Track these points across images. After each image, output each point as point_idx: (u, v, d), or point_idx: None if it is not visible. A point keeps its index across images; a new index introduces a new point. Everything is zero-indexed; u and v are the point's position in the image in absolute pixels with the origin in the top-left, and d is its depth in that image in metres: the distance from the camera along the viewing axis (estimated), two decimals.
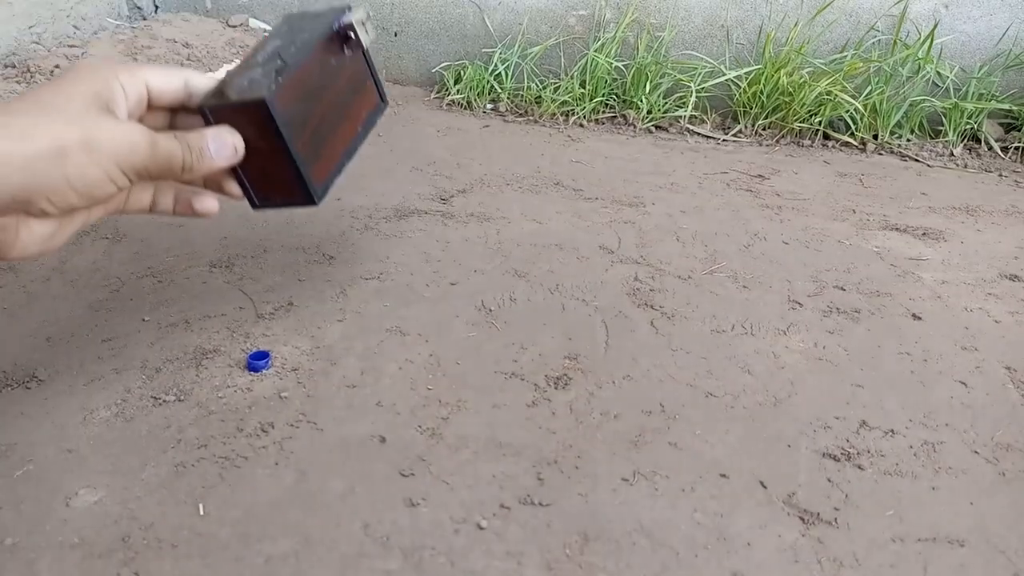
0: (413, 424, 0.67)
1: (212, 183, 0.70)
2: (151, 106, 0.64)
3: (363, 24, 0.75)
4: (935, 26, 1.39)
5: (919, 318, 0.88)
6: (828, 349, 0.81)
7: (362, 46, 0.76)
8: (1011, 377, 0.78)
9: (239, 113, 0.64)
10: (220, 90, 0.66)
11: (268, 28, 1.65)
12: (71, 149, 0.53)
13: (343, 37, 0.74)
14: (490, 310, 0.85)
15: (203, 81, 0.66)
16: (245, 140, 0.65)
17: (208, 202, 0.68)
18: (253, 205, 0.71)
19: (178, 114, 0.67)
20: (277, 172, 0.69)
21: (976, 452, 0.68)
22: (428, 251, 0.97)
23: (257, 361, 0.73)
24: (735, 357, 0.79)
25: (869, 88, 1.40)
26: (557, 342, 0.80)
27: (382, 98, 0.84)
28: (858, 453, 0.67)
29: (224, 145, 0.63)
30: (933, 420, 0.71)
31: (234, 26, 1.59)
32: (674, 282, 0.93)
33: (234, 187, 0.70)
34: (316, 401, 0.69)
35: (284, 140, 0.66)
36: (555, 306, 0.86)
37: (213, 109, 0.64)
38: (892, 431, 0.70)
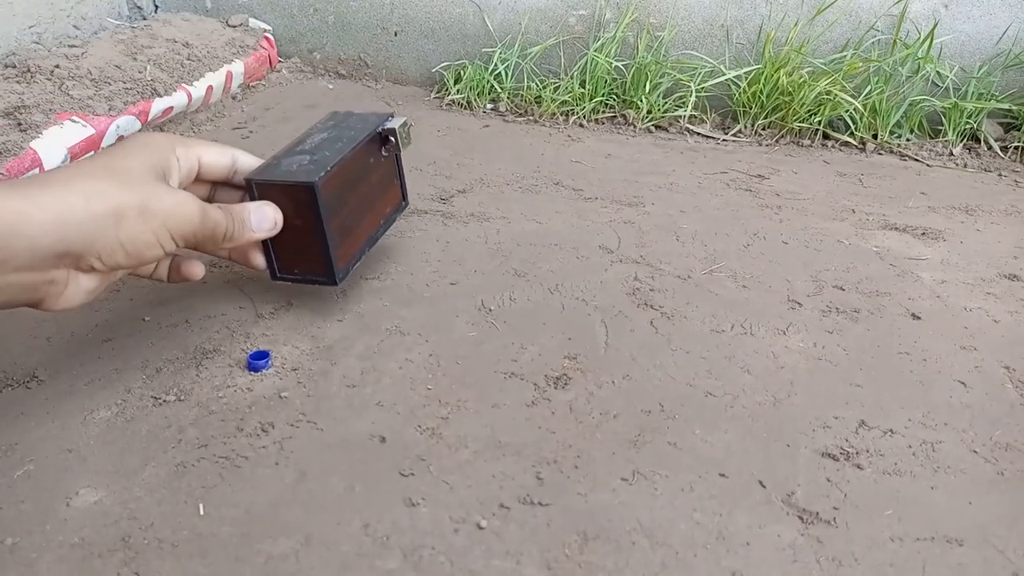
0: (413, 424, 0.67)
1: (238, 253, 0.78)
2: (198, 178, 0.72)
3: (404, 131, 0.86)
4: (935, 26, 1.39)
5: (918, 318, 0.88)
6: (827, 349, 0.81)
7: (399, 150, 0.87)
8: (1010, 376, 0.78)
9: (286, 191, 0.73)
10: (269, 168, 0.75)
11: (268, 28, 1.65)
12: (128, 213, 0.58)
13: (383, 139, 0.85)
14: (490, 310, 0.85)
15: (249, 160, 0.75)
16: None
17: (196, 267, 0.75)
18: (273, 275, 0.79)
19: (219, 187, 0.76)
20: (306, 249, 0.76)
21: (975, 451, 0.68)
22: (428, 251, 0.97)
23: (257, 361, 0.73)
24: (734, 357, 0.79)
25: (869, 88, 1.41)
26: (557, 342, 0.80)
27: (404, 197, 0.94)
28: (857, 453, 0.67)
29: (265, 218, 0.72)
30: (932, 420, 0.72)
31: (234, 26, 1.59)
32: (674, 282, 0.93)
33: (259, 259, 0.77)
34: (316, 401, 0.69)
35: (321, 222, 0.74)
36: (555, 306, 0.87)
37: (260, 184, 0.74)
38: (891, 431, 0.70)
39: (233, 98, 1.49)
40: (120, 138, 1.21)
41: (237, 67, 1.47)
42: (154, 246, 0.61)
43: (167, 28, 1.43)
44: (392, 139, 0.85)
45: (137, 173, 0.60)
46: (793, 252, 1.02)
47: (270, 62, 1.61)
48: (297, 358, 0.75)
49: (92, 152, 1.14)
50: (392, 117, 0.87)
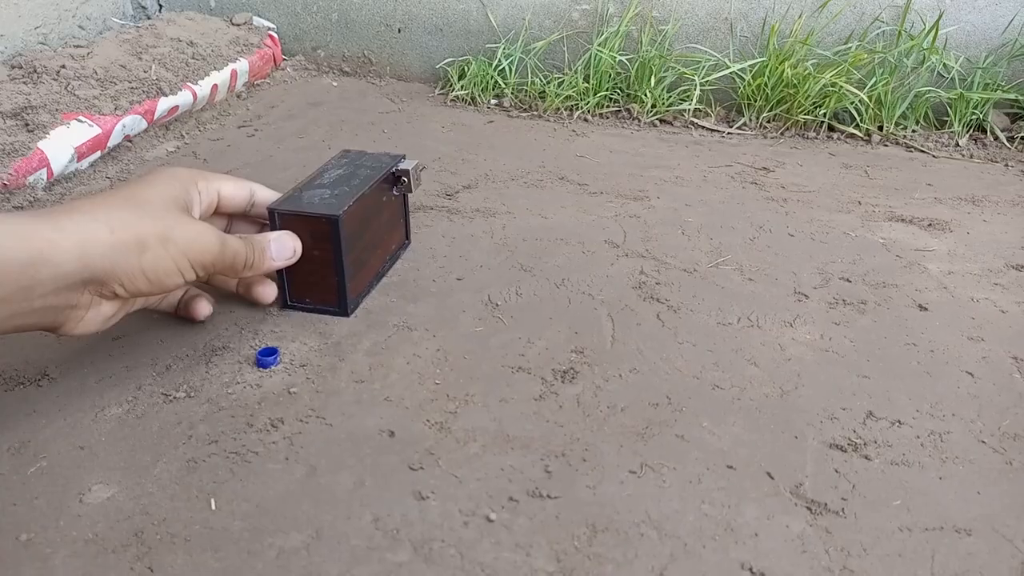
0: (421, 418, 0.67)
1: (245, 286, 0.82)
2: (217, 211, 0.76)
3: (416, 174, 0.90)
4: (940, 16, 1.39)
5: (925, 309, 0.88)
6: (834, 341, 0.81)
7: (410, 190, 0.90)
8: (1018, 367, 0.78)
9: (308, 223, 0.76)
10: (292, 199, 0.78)
11: (271, 26, 1.65)
12: (150, 242, 0.61)
13: (395, 180, 0.89)
14: (496, 305, 0.85)
15: (266, 193, 0.79)
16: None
17: (204, 307, 0.79)
18: (284, 303, 0.83)
19: (236, 219, 0.80)
20: (321, 280, 0.79)
21: (983, 442, 0.68)
22: (434, 247, 0.97)
23: (266, 357, 0.73)
24: (741, 349, 0.79)
25: (874, 79, 1.40)
26: (563, 336, 0.80)
27: (408, 236, 0.97)
28: (865, 444, 0.67)
29: (285, 247, 0.75)
30: (940, 410, 0.71)
31: (238, 24, 1.59)
32: (679, 275, 0.93)
33: (266, 293, 0.82)
34: (325, 396, 0.70)
35: (340, 254, 0.77)
36: (561, 300, 0.87)
37: (284, 215, 0.76)
38: (899, 421, 0.70)
39: (238, 96, 1.50)
40: (127, 137, 1.21)
41: (242, 65, 1.47)
42: (175, 274, 0.63)
43: (171, 27, 1.43)
44: (404, 180, 0.89)
45: (159, 204, 0.63)
46: (799, 244, 1.02)
47: (274, 60, 1.61)
48: (305, 354, 0.75)
49: (99, 151, 1.15)
50: (404, 159, 0.90)
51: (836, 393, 0.73)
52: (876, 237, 1.05)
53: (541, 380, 0.73)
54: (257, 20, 1.63)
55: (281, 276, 0.80)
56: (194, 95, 1.32)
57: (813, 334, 0.82)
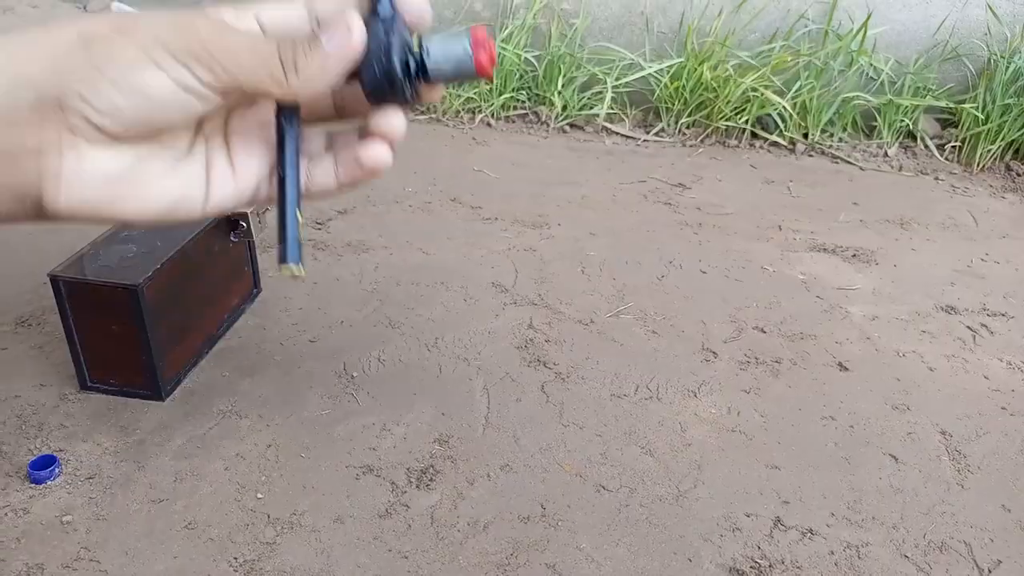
0: (227, 555, 0.54)
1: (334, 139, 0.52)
2: None
3: (258, 216, 0.78)
4: (869, 15, 1.28)
5: (846, 368, 0.78)
6: (743, 416, 0.70)
7: (251, 236, 0.76)
8: (946, 445, 0.68)
9: (99, 294, 0.62)
10: (83, 260, 0.63)
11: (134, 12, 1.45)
12: (99, 31, 0.40)
13: (232, 224, 0.74)
14: (352, 376, 0.72)
15: (330, 3, 0.48)
16: (100, 321, 0.63)
17: (379, 151, 0.49)
18: (82, 385, 0.68)
19: None
20: (125, 358, 0.65)
21: (906, 556, 0.57)
22: (289, 295, 0.83)
23: (40, 471, 0.58)
24: (635, 433, 0.67)
25: (799, 83, 1.29)
26: (428, 419, 0.67)
27: (256, 284, 0.82)
28: (770, 566, 0.56)
29: (336, 26, 0.43)
30: (858, 512, 0.61)
31: (94, 12, 1.39)
32: (574, 329, 0.81)
33: (375, 153, 0.47)
34: (107, 526, 0.55)
35: (145, 329, 0.63)
36: (431, 368, 0.74)
37: (69, 283, 0.62)
38: (811, 531, 0.59)
39: None
40: None
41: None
42: (148, 68, 0.40)
43: (5, 17, 1.23)
44: (243, 225, 0.74)
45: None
46: (711, 284, 0.91)
47: None
48: (96, 461, 0.61)
49: None
50: None
51: (741, 492, 0.62)
52: (795, 272, 0.95)
53: (391, 486, 0.60)
54: (117, 6, 1.43)
55: (76, 351, 0.65)
56: None
57: (719, 407, 0.71)
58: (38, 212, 0.42)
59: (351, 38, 0.46)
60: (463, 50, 0.50)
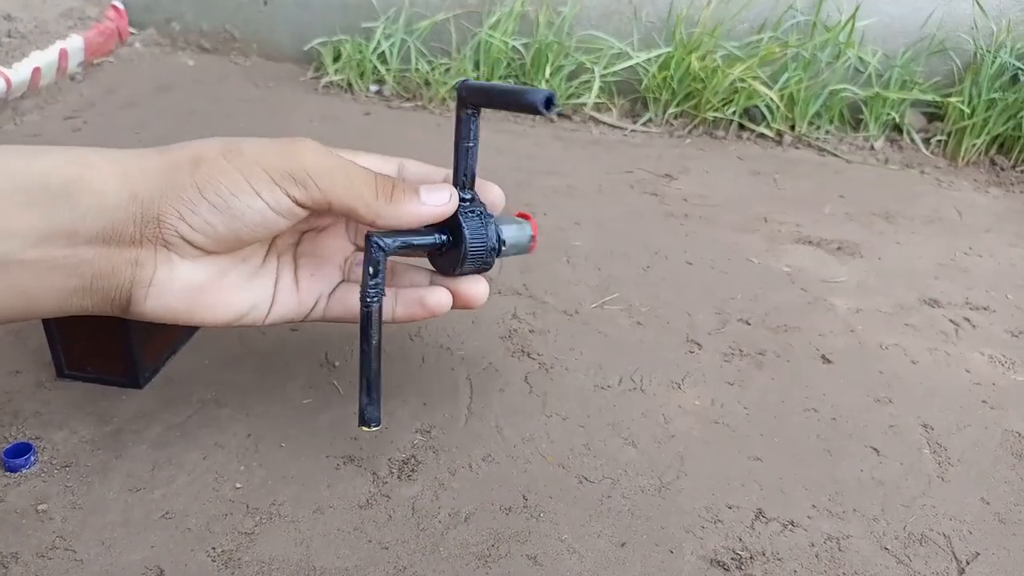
0: (206, 545, 0.53)
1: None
2: None
3: None
4: (857, 7, 1.28)
5: (829, 361, 0.78)
6: (726, 408, 0.70)
7: None
8: (927, 439, 0.69)
9: None
10: None
11: None
12: (208, 155, 0.44)
13: None
14: (334, 365, 0.71)
15: (423, 168, 0.58)
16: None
17: (442, 296, 0.57)
18: (60, 373, 0.66)
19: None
20: (103, 345, 0.64)
21: (886, 548, 0.58)
22: None
23: (15, 459, 0.57)
24: (619, 424, 0.67)
25: (786, 75, 1.29)
26: (410, 409, 0.67)
27: None
28: (751, 557, 0.56)
29: (439, 190, 0.51)
30: (839, 504, 0.61)
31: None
32: (558, 319, 0.80)
33: (477, 290, 0.59)
34: (83, 515, 0.54)
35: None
36: (413, 358, 0.73)
37: None
38: (792, 523, 0.59)
39: (72, 78, 1.28)
40: None
41: (74, 43, 1.26)
42: (246, 192, 0.44)
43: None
44: None
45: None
46: (697, 276, 0.91)
47: (119, 34, 1.40)
48: (72, 449, 0.60)
49: None
50: None
51: (723, 484, 0.62)
52: (781, 265, 0.95)
53: (372, 476, 0.60)
54: None
55: (52, 338, 0.64)
56: (7, 82, 1.11)
57: (703, 399, 0.71)
58: (122, 311, 0.45)
59: (447, 205, 0.54)
60: (527, 237, 0.60)
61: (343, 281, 0.57)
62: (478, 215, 0.53)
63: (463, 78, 0.52)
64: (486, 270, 0.57)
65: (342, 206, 0.46)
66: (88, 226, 0.41)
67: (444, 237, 0.53)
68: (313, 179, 0.44)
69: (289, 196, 0.44)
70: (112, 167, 0.41)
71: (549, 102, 0.48)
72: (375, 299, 0.50)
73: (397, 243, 0.50)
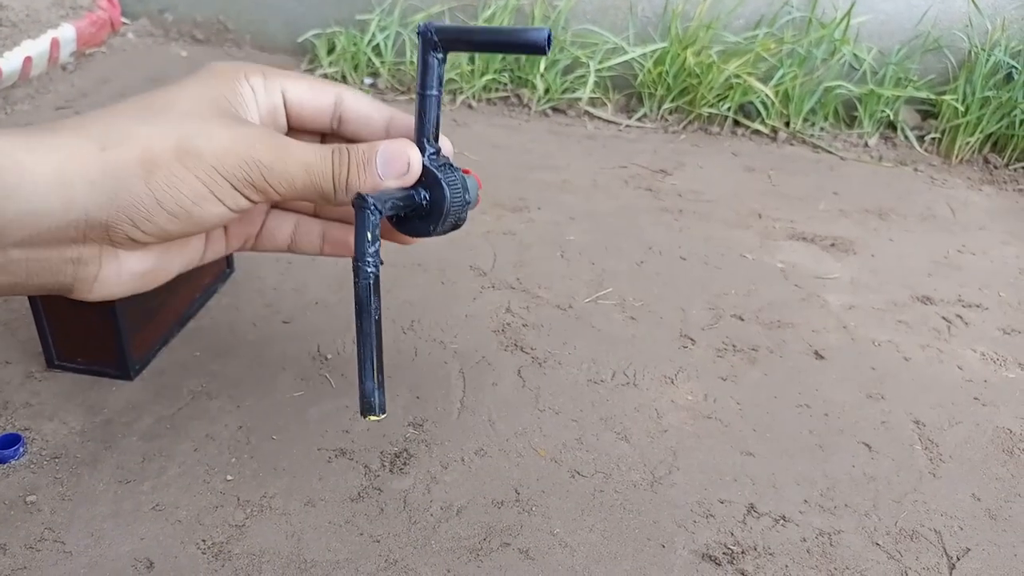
0: (196, 538, 0.53)
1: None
2: (291, 126, 0.49)
3: None
4: (853, 4, 1.28)
5: (822, 357, 0.78)
6: (719, 403, 0.70)
7: None
8: (919, 435, 0.69)
9: None
10: None
11: None
12: (160, 158, 0.40)
13: None
14: (326, 358, 0.71)
15: (360, 102, 0.49)
16: (67, 299, 0.54)
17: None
18: (49, 363, 0.65)
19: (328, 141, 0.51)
20: (93, 336, 0.63)
21: (877, 544, 0.58)
22: (263, 276, 0.81)
23: (4, 450, 0.57)
24: (611, 418, 0.67)
25: (781, 71, 1.29)
26: (402, 402, 0.66)
27: (230, 264, 0.80)
28: (743, 552, 0.56)
29: (396, 159, 0.46)
30: (831, 499, 0.61)
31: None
32: (552, 314, 0.80)
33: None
34: (72, 507, 0.54)
35: (113, 303, 0.60)
36: (406, 351, 0.73)
37: None
38: (784, 518, 0.59)
39: (63, 68, 1.27)
40: None
41: (66, 32, 1.25)
42: (207, 199, 0.42)
43: None
44: None
45: (186, 108, 0.42)
46: (691, 270, 0.91)
47: (111, 24, 1.39)
48: (62, 440, 0.59)
49: None
50: None
51: (715, 479, 0.62)
52: (774, 261, 0.95)
53: (364, 469, 0.60)
54: None
55: (42, 328, 0.64)
56: None
57: (696, 394, 0.71)
58: (68, 296, 0.42)
59: (408, 176, 0.50)
60: (476, 190, 0.53)
61: (267, 217, 0.54)
62: (451, 168, 0.48)
63: (425, 22, 0.46)
64: (459, 227, 0.51)
65: (301, 199, 0.45)
66: (15, 233, 0.37)
67: (424, 194, 0.48)
68: (272, 184, 0.43)
69: (249, 200, 0.43)
70: (45, 168, 0.37)
71: (550, 40, 0.44)
72: (375, 267, 0.44)
73: (388, 204, 0.44)
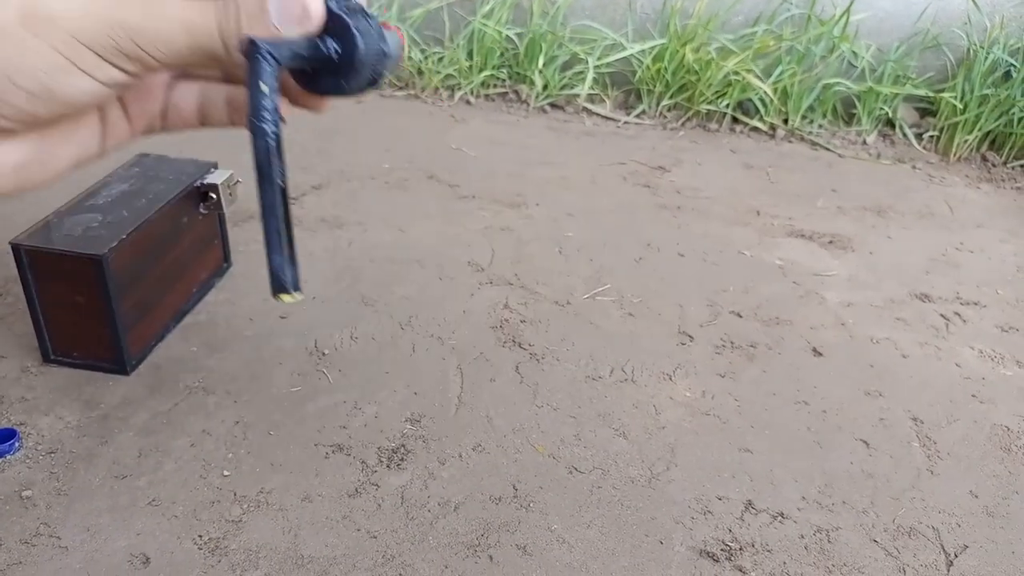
0: (192, 533, 0.52)
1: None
2: None
3: (228, 187, 0.73)
4: (852, 1, 1.28)
5: (820, 354, 0.78)
6: (717, 399, 0.70)
7: (222, 209, 0.74)
8: (917, 431, 0.69)
9: (63, 263, 0.60)
10: (46, 229, 0.60)
11: None
12: (4, 25, 0.34)
13: (202, 195, 0.72)
14: (324, 353, 0.70)
15: None
16: (63, 292, 0.60)
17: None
18: (46, 358, 0.65)
19: None
20: (89, 331, 0.63)
21: (875, 541, 0.58)
22: (261, 271, 0.81)
23: (0, 445, 0.56)
24: (609, 415, 0.67)
25: (780, 68, 1.29)
26: (400, 398, 0.66)
27: (227, 259, 0.81)
28: (740, 549, 0.56)
29: (291, 4, 0.38)
30: (829, 496, 0.61)
31: None
32: (550, 309, 0.80)
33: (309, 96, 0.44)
34: (68, 501, 0.54)
35: (110, 300, 0.61)
36: (404, 346, 0.72)
37: (31, 251, 0.59)
38: (782, 514, 0.59)
39: None
40: None
41: None
42: (70, 73, 0.35)
43: None
44: (213, 196, 0.72)
45: None
46: (689, 267, 0.91)
47: None
48: (58, 435, 0.59)
49: None
50: (215, 169, 0.73)
51: (713, 475, 0.62)
52: (773, 257, 0.95)
53: (362, 465, 0.59)
54: None
55: (38, 322, 0.63)
56: None
57: (694, 390, 0.71)
58: None
59: (309, 21, 0.40)
60: (399, 46, 0.47)
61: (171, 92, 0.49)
62: (364, 14, 0.42)
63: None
64: (377, 84, 0.45)
65: (189, 65, 0.38)
66: None
67: (334, 44, 0.42)
68: (146, 50, 0.35)
69: (124, 71, 0.37)
70: None
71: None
72: (274, 124, 0.39)
73: (287, 52, 0.39)
